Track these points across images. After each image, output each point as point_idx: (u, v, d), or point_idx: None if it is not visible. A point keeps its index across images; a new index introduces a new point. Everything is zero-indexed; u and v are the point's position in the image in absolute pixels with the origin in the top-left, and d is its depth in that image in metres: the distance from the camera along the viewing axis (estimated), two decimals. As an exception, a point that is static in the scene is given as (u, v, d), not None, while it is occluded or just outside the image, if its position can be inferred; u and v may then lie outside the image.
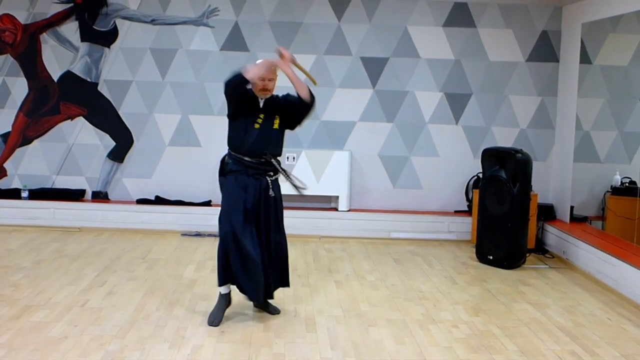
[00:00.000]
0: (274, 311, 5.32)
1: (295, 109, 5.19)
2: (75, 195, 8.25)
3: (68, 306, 5.34)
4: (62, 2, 8.16)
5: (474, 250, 7.38)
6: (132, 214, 8.15)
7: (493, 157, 7.24)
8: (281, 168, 5.23)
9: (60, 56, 8.22)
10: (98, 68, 8.23)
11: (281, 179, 5.28)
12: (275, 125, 5.19)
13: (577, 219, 7.76)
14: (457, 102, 8.26)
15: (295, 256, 7.13)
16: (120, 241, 7.62)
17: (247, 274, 5.04)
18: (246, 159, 5.13)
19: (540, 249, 7.66)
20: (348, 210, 8.20)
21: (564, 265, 7.17)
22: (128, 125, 8.27)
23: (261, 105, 5.17)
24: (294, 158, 8.01)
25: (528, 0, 8.10)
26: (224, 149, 5.27)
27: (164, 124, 8.27)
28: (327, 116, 8.23)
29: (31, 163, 8.33)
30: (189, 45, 8.19)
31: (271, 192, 5.15)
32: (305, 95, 5.08)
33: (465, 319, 5.38)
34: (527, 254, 7.17)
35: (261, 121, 5.13)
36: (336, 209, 8.21)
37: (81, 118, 8.30)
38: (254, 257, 4.99)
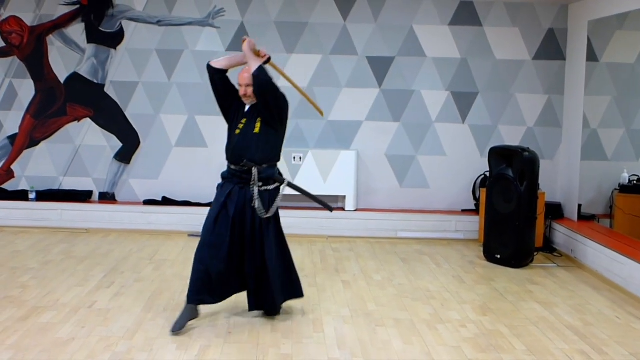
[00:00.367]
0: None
1: (259, 98, 4.96)
2: (82, 196, 8.27)
3: (75, 307, 5.35)
4: (68, 4, 8.18)
5: (482, 249, 7.36)
6: (139, 215, 8.16)
7: (500, 156, 7.22)
8: (273, 178, 5.03)
9: (66, 58, 8.24)
10: (104, 69, 8.24)
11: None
12: (256, 129, 4.98)
13: (585, 217, 7.73)
14: (463, 101, 8.24)
15: (302, 256, 7.14)
16: (128, 242, 7.63)
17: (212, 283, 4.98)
18: (232, 167, 5.06)
19: (548, 247, 7.64)
20: (355, 210, 8.19)
21: (572, 264, 7.14)
22: (135, 126, 8.29)
23: (246, 109, 5.07)
24: (300, 158, 8.00)
25: (534, -2, 8.09)
26: (230, 151, 5.27)
27: (170, 125, 8.28)
28: (334, 116, 8.23)
29: (38, 165, 8.36)
30: (194, 46, 8.19)
31: (255, 203, 4.95)
32: (254, 71, 4.88)
33: (473, 318, 5.36)
34: (535, 253, 7.15)
35: (242, 126, 5.02)
36: (343, 209, 8.20)
37: (88, 119, 8.31)
38: (214, 267, 4.93)
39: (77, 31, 8.22)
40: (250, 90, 4.95)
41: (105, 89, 8.27)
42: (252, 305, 5.15)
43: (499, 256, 7.05)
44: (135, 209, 8.21)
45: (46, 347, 4.54)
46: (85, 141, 8.32)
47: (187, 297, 5.02)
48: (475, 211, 8.17)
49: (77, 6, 8.18)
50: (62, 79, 8.26)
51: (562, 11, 8.11)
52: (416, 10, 8.14)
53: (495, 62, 8.20)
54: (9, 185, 8.36)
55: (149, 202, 8.28)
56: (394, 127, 8.27)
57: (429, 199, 8.35)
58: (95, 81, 8.25)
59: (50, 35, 8.22)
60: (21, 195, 8.23)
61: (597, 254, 6.72)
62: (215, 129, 8.12)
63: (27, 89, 8.28)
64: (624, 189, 7.71)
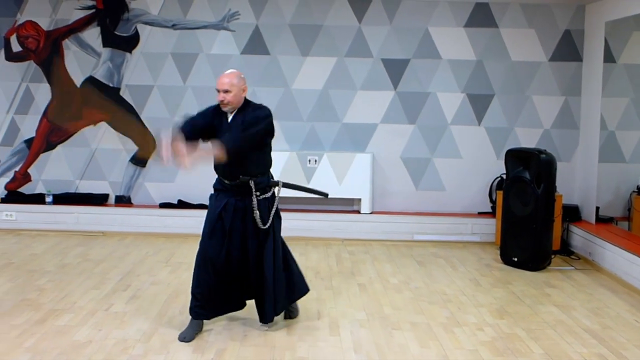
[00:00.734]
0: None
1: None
2: (98, 199, 8.31)
3: (92, 310, 5.37)
4: (84, 8, 8.22)
5: (498, 252, 7.32)
6: (154, 218, 8.18)
7: (516, 158, 7.18)
8: (269, 185, 4.92)
9: (82, 62, 8.28)
10: (120, 73, 8.27)
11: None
12: None
13: (602, 220, 7.66)
14: (479, 103, 8.20)
15: (317, 259, 7.13)
16: (143, 245, 7.65)
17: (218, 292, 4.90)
18: (226, 182, 4.88)
19: (566, 250, 7.58)
20: (370, 213, 8.17)
21: (590, 267, 7.09)
22: (150, 130, 8.31)
23: (229, 120, 4.83)
24: (315, 161, 7.99)
25: (550, 0, 8.03)
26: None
27: (185, 128, 8.28)
28: (349, 118, 8.21)
29: (55, 168, 8.40)
30: (209, 50, 8.21)
31: (257, 215, 4.80)
32: (221, 159, 4.65)
33: (490, 321, 5.33)
34: (552, 256, 7.10)
35: None
36: (359, 212, 8.18)
37: (104, 123, 8.35)
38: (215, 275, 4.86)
39: (92, 35, 8.26)
40: (228, 96, 4.74)
41: (121, 93, 8.30)
42: (260, 317, 5.06)
43: (515, 259, 7.00)
44: (151, 212, 8.23)
45: (63, 350, 4.56)
46: (101, 145, 8.36)
47: (189, 311, 4.97)
48: (492, 214, 8.12)
49: (93, 10, 8.22)
50: (78, 83, 8.30)
51: (578, 12, 8.06)
52: (431, 12, 8.12)
53: (511, 63, 8.16)
54: (26, 189, 8.41)
55: (164, 205, 8.30)
56: (409, 129, 8.25)
57: (444, 202, 8.31)
58: (111, 85, 8.29)
59: (66, 40, 8.26)
60: (38, 199, 8.28)
61: (615, 257, 6.66)
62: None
63: (43, 93, 8.33)
64: (642, 191, 7.65)
